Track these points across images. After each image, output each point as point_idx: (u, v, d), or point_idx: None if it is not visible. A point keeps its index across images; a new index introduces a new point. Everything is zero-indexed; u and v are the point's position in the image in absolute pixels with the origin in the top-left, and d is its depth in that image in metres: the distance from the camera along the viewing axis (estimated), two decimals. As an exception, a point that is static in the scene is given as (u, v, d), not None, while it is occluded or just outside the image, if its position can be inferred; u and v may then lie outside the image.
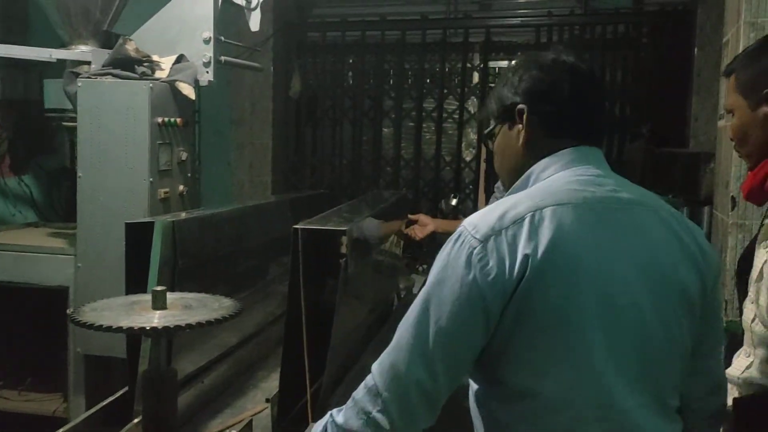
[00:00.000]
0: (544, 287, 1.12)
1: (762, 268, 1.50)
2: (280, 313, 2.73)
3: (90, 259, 2.67)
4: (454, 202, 4.88)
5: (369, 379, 1.26)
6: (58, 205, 3.69)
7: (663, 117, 4.34)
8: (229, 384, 2.26)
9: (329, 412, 1.35)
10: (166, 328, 1.41)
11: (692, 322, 1.24)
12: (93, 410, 1.85)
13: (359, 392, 1.27)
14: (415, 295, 1.24)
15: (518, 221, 1.15)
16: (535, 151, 1.31)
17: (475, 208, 4.80)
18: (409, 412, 1.22)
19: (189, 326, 1.44)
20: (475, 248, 1.14)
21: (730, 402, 1.47)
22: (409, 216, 3.08)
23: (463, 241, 1.17)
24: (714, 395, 1.37)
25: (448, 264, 1.17)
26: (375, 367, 1.27)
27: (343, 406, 1.30)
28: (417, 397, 1.21)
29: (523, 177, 1.31)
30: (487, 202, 3.44)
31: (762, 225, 1.59)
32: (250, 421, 1.78)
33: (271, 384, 2.30)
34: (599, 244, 1.16)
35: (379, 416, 1.22)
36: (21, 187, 3.60)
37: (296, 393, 1.93)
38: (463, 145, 4.91)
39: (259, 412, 1.99)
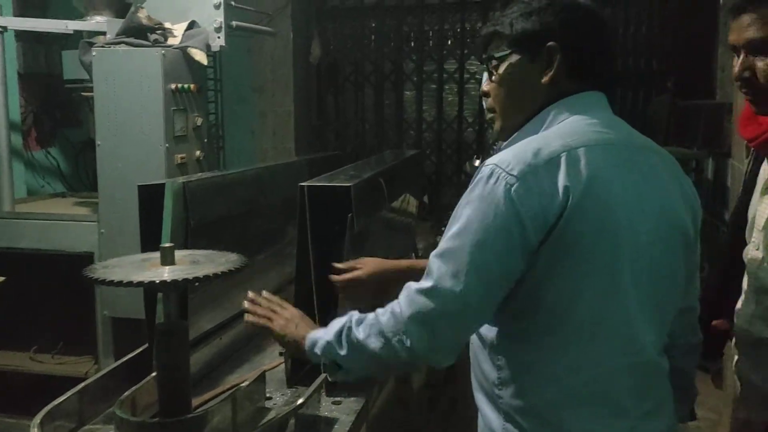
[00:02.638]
0: (583, 220, 1.13)
1: None
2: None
3: (112, 225, 2.74)
4: (477, 163, 4.86)
5: (395, 305, 1.25)
6: (85, 176, 3.78)
7: (689, 70, 4.25)
8: (248, 341, 2.32)
9: (350, 314, 1.35)
10: (174, 282, 1.45)
11: (687, 265, 1.29)
12: (113, 366, 1.92)
13: (385, 314, 1.26)
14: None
15: (554, 158, 1.15)
16: (555, 92, 1.27)
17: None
18: (433, 344, 1.22)
19: (196, 279, 1.47)
20: (513, 184, 1.13)
21: None
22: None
23: (498, 178, 1.14)
24: (696, 331, 1.42)
25: (482, 201, 1.15)
26: (403, 294, 1.25)
27: (365, 317, 1.31)
28: (443, 328, 1.21)
29: (538, 117, 1.27)
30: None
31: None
32: (263, 374, 1.83)
33: (289, 341, 2.35)
34: (626, 184, 1.18)
35: (397, 345, 1.23)
36: (48, 159, 3.69)
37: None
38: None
39: (275, 367, 2.04)
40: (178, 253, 1.62)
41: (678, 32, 4.25)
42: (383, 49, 4.98)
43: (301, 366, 1.99)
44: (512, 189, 1.13)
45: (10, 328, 2.95)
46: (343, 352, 1.34)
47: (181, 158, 2.74)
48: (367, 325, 1.29)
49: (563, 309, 1.17)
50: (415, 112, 5.04)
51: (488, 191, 1.15)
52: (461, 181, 4.93)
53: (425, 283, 1.21)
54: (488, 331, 1.27)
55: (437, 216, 4.10)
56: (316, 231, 1.90)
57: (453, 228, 1.19)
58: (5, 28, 2.91)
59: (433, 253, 1.22)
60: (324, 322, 1.88)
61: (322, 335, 1.41)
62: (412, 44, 4.96)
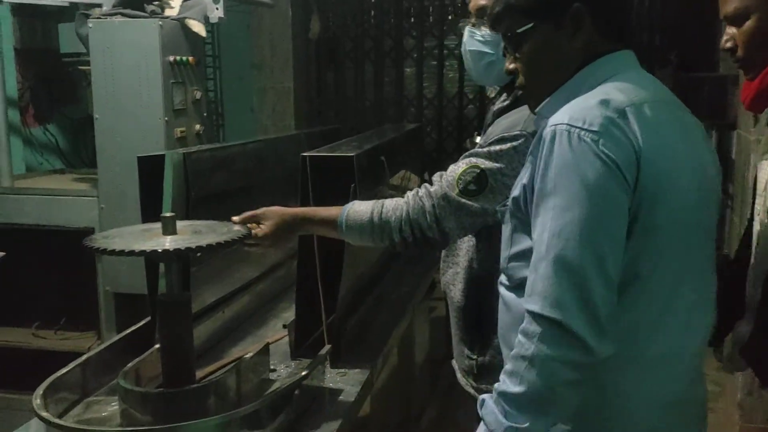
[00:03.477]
0: (653, 173, 1.10)
1: None
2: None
3: (112, 200, 2.72)
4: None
5: (528, 325, 1.10)
6: (84, 152, 3.75)
7: (691, 42, 4.21)
8: (250, 315, 2.31)
9: (483, 399, 1.18)
10: (177, 251, 1.43)
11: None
12: (116, 339, 1.92)
13: (525, 351, 1.09)
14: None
15: (622, 109, 1.11)
16: (589, 54, 1.21)
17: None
18: (590, 300, 1.07)
19: (199, 248, 1.46)
20: (598, 140, 1.08)
21: None
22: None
23: (579, 138, 1.08)
24: None
25: (573, 167, 1.08)
26: (534, 303, 1.09)
27: (510, 371, 1.13)
28: (593, 282, 1.07)
29: (576, 77, 1.21)
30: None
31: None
32: (267, 346, 1.82)
33: (292, 315, 2.33)
34: (679, 141, 1.17)
35: (551, 324, 1.07)
36: (46, 135, 3.66)
37: (313, 320, 1.97)
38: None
39: (279, 339, 2.04)
40: (179, 224, 1.61)
41: (680, 4, 4.21)
42: (383, 25, 4.93)
43: (305, 338, 1.99)
44: (599, 143, 1.08)
45: (12, 304, 2.95)
46: (526, 425, 1.10)
47: (181, 132, 2.71)
48: (507, 373, 1.13)
49: (641, 265, 1.13)
50: (415, 89, 4.99)
51: (575, 155, 1.08)
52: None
53: (541, 276, 1.10)
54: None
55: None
56: (319, 202, 1.88)
57: (549, 201, 1.11)
58: (1, 1, 2.87)
59: (547, 234, 1.10)
60: (327, 295, 1.89)
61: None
62: (413, 20, 4.91)
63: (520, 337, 1.11)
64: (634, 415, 1.18)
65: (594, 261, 1.07)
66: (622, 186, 1.08)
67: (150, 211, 1.89)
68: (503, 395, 1.12)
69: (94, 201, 2.77)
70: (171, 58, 2.64)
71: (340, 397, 1.73)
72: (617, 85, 1.17)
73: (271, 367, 1.86)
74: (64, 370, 1.66)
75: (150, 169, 1.93)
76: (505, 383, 1.12)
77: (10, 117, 3.07)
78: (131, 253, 1.45)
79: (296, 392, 1.60)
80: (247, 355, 1.70)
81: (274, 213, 1.70)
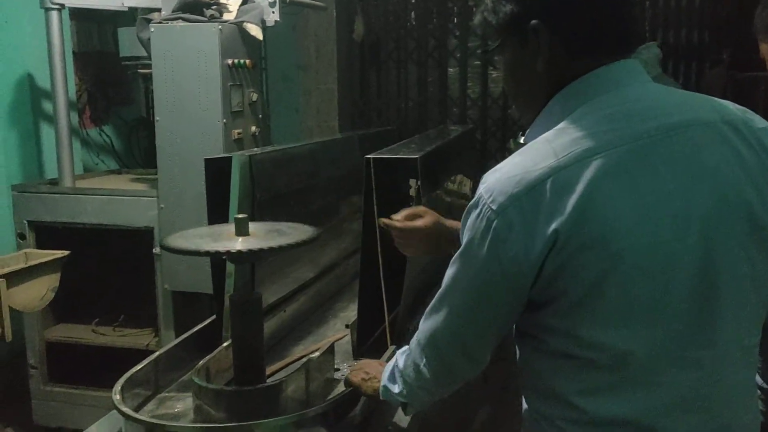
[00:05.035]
0: (575, 264, 0.99)
1: None
2: (353, 249, 2.79)
3: (171, 200, 2.78)
4: (522, 140, 4.78)
5: (418, 332, 1.28)
6: (138, 153, 3.83)
7: (745, 40, 4.12)
8: (309, 314, 2.34)
9: (396, 354, 1.41)
10: (250, 251, 1.46)
11: (762, 246, 1.07)
12: (183, 337, 1.95)
13: (413, 343, 1.31)
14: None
15: (538, 186, 0.98)
16: (557, 76, 1.10)
17: (544, 146, 4.71)
18: (449, 370, 1.27)
19: (272, 249, 1.48)
20: (493, 221, 1.01)
21: None
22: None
23: (482, 212, 1.03)
24: None
25: (471, 234, 1.06)
26: (421, 322, 1.26)
27: (405, 350, 1.36)
28: (454, 360, 1.23)
29: (545, 110, 1.11)
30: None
31: None
32: (333, 345, 1.84)
33: (350, 314, 2.37)
34: (641, 193, 0.99)
35: (424, 370, 1.28)
36: (102, 137, 3.74)
37: (374, 320, 1.99)
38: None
39: (341, 339, 2.06)
40: (250, 225, 1.64)
41: (732, 1, 4.13)
42: (426, 26, 4.93)
43: (367, 338, 2.01)
44: (492, 227, 1.01)
45: (73, 301, 3.02)
46: (396, 389, 1.38)
47: (238, 134, 2.75)
48: (405, 356, 1.35)
49: (570, 346, 1.06)
50: (459, 89, 4.98)
51: (474, 225, 1.05)
52: (505, 157, 4.88)
53: (427, 312, 1.23)
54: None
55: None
56: (383, 204, 1.90)
57: (452, 260, 1.14)
58: (63, 6, 2.95)
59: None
60: (390, 296, 1.91)
61: (381, 380, 1.45)
62: (455, 20, 4.90)
63: (412, 345, 1.31)
64: None
65: (457, 347, 1.20)
66: (501, 278, 1.04)
67: (216, 211, 1.93)
68: (396, 365, 1.39)
69: (153, 201, 2.83)
70: (229, 62, 2.68)
71: (405, 397, 1.75)
72: (561, 135, 1.03)
73: (335, 366, 1.89)
74: (138, 367, 1.70)
75: (216, 170, 1.96)
76: (401, 358, 1.37)
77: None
78: (206, 253, 1.49)
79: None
80: (314, 355, 1.72)
81: (433, 213, 1.68)
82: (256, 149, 2.20)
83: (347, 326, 2.00)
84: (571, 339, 1.05)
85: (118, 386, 1.58)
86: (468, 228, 1.07)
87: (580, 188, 0.98)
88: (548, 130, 1.07)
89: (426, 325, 1.23)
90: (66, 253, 2.56)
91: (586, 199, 0.97)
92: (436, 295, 1.19)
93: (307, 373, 1.64)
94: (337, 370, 1.88)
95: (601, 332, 1.03)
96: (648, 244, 0.99)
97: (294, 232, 1.62)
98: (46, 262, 2.46)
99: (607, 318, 1.02)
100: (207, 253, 1.49)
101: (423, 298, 2.24)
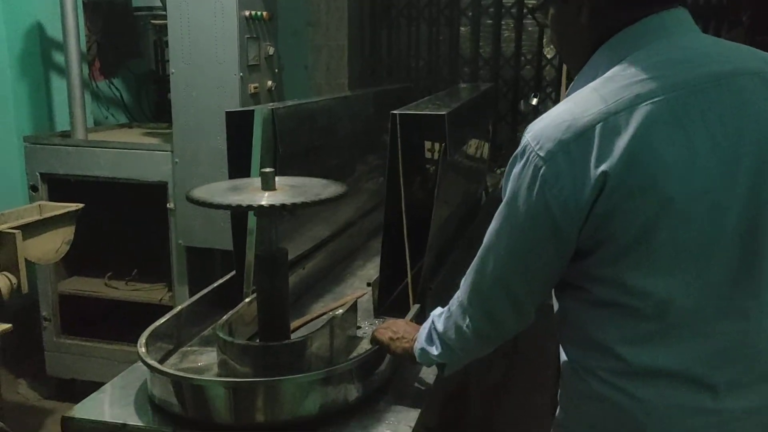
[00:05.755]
0: (625, 207, 1.00)
1: None
2: (370, 208, 2.77)
3: (186, 155, 2.74)
4: (534, 101, 4.76)
5: (459, 293, 1.28)
6: (147, 107, 3.78)
7: (765, 4, 4.04)
8: (327, 272, 2.33)
9: (431, 317, 1.40)
10: (283, 205, 1.43)
11: None
12: (204, 292, 1.94)
13: (453, 304, 1.30)
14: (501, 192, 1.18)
15: (586, 132, 1.00)
16: (602, 27, 1.10)
17: (556, 108, 4.67)
18: (495, 325, 1.25)
19: (305, 204, 1.45)
20: (541, 168, 1.02)
21: None
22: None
23: (528, 159, 1.05)
24: None
25: (516, 183, 1.07)
26: (462, 283, 1.27)
27: (443, 311, 1.35)
28: (501, 312, 1.22)
29: (590, 63, 1.13)
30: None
31: None
32: (355, 303, 1.83)
33: (368, 272, 2.36)
34: (690, 140, 0.99)
35: (467, 331, 1.27)
36: (111, 90, 3.69)
37: (395, 278, 1.98)
38: (544, 41, 4.72)
39: (361, 296, 2.05)
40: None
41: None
42: (439, -18, 4.83)
43: (388, 296, 2.00)
44: (539, 174, 1.03)
45: (86, 254, 3.01)
46: (435, 351, 1.37)
47: (254, 88, 2.71)
48: (445, 319, 1.33)
49: (617, 295, 1.07)
50: (470, 49, 4.90)
51: (520, 173, 1.06)
52: (516, 119, 4.85)
53: (471, 268, 1.22)
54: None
55: (491, 155, 4.03)
56: (408, 161, 1.87)
57: (498, 212, 1.14)
58: (73, -46, 2.87)
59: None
60: (414, 254, 1.89)
61: (417, 342, 1.44)
62: (467, -22, 4.80)
63: (458, 293, 1.28)
64: None
65: (505, 298, 1.18)
66: (550, 225, 1.05)
67: (237, 167, 1.90)
68: (434, 328, 1.37)
69: (167, 155, 2.79)
70: (246, 13, 2.62)
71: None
72: (609, 83, 1.04)
73: (357, 324, 1.88)
74: (161, 321, 1.69)
75: (237, 123, 1.93)
76: (439, 321, 1.35)
77: (79, 71, 3.08)
78: (239, 207, 1.46)
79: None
80: (338, 312, 1.71)
81: None
82: (279, 103, 2.16)
83: (369, 284, 1.99)
84: (617, 287, 1.06)
85: (143, 339, 1.57)
86: (513, 177, 1.08)
87: (630, 132, 0.98)
88: (593, 80, 1.08)
89: (470, 280, 1.23)
90: (80, 205, 2.54)
91: (636, 142, 0.98)
92: (480, 251, 1.19)
93: (331, 330, 1.63)
94: (359, 328, 1.88)
95: (646, 280, 1.03)
96: (697, 191, 1.00)
97: (321, 188, 1.59)
98: (60, 215, 2.44)
99: (654, 265, 1.03)
100: (240, 208, 1.46)
101: (444, 258, 2.23)
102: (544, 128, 1.04)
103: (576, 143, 1.00)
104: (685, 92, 1.01)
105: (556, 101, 4.65)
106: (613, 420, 1.10)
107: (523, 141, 1.07)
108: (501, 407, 3.22)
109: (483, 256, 1.18)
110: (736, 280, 1.05)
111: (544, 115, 1.08)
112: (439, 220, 1.99)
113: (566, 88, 4.68)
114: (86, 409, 1.49)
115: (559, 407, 1.24)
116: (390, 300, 2.00)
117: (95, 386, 1.58)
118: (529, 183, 1.04)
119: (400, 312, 1.84)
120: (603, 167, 0.98)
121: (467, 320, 1.26)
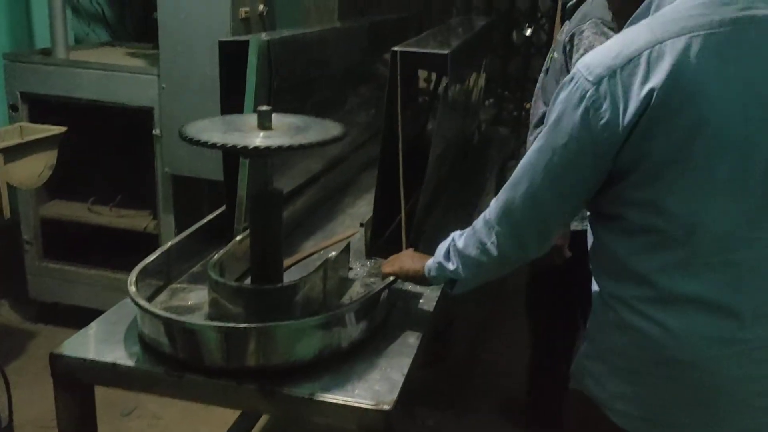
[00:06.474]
0: (665, 124, 1.06)
1: None
2: (361, 142, 2.72)
3: (173, 80, 2.64)
4: (528, 32, 4.66)
5: (487, 212, 1.32)
6: (130, 25, 3.62)
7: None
8: (317, 208, 2.30)
9: (452, 235, 1.43)
10: (290, 146, 1.38)
11: None
12: (193, 228, 1.90)
13: (479, 222, 1.34)
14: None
15: (634, 59, 1.07)
16: None
17: (549, 40, 4.56)
18: (519, 246, 1.30)
19: (302, 146, 1.40)
20: (587, 91, 1.09)
21: None
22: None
23: (577, 84, 1.11)
24: None
25: (563, 107, 1.13)
26: (493, 201, 1.31)
27: (465, 231, 1.38)
28: (528, 234, 1.27)
29: (641, 8, 1.18)
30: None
31: None
32: (348, 245, 1.81)
33: (358, 210, 2.33)
34: (730, 73, 1.07)
35: (492, 248, 1.31)
36: (93, 5, 3.51)
37: (388, 218, 1.95)
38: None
39: (352, 235, 2.02)
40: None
41: None
42: None
43: (380, 237, 1.98)
44: (586, 96, 1.10)
45: (69, 178, 2.93)
46: (452, 267, 1.42)
47: (245, 12, 2.58)
48: (467, 236, 1.38)
49: (649, 216, 1.13)
50: (465, -25, 4.74)
51: (567, 97, 1.12)
52: (508, 53, 4.75)
53: (505, 187, 1.26)
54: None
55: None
56: (407, 99, 1.81)
57: (541, 133, 1.19)
58: None
59: None
60: (409, 192, 1.86)
61: (434, 258, 1.49)
62: None
63: (486, 212, 1.33)
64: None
65: (534, 217, 1.24)
66: (590, 143, 1.11)
67: (229, 98, 1.83)
68: (454, 245, 1.41)
69: (153, 79, 2.68)
70: (238, -69, 2.47)
71: (421, 300, 1.74)
72: (659, 18, 1.12)
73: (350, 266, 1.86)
74: (150, 257, 1.66)
75: (230, 53, 1.84)
76: (460, 240, 1.39)
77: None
78: (244, 149, 1.39)
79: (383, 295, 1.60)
80: (331, 254, 1.69)
81: None
82: (273, 32, 2.06)
83: (361, 224, 1.96)
84: (650, 210, 1.12)
85: (132, 277, 1.54)
86: (560, 101, 1.14)
87: (674, 55, 1.05)
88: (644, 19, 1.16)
89: (502, 198, 1.27)
90: (63, 129, 2.46)
91: (680, 63, 1.05)
92: (516, 172, 1.24)
93: (325, 272, 1.61)
94: (351, 269, 1.86)
95: (680, 203, 1.10)
96: (734, 117, 1.06)
97: (319, 127, 1.54)
98: (43, 138, 2.36)
99: (687, 188, 1.09)
100: (245, 150, 1.39)
101: (436, 198, 2.20)
102: (595, 56, 1.12)
103: (624, 68, 1.07)
104: (728, 29, 1.07)
105: (550, 33, 4.54)
106: (641, 350, 1.16)
107: (573, 69, 1.14)
108: (486, 345, 3.28)
109: (519, 176, 1.22)
110: (764, 211, 1.11)
111: (596, 48, 1.16)
112: (436, 158, 1.95)
113: (561, 20, 4.59)
114: (74, 346, 1.47)
115: (586, 339, 1.30)
116: (382, 240, 1.98)
117: (78, 310, 1.56)
118: (575, 105, 1.10)
119: (391, 250, 1.82)
120: (650, 84, 1.05)
121: (493, 237, 1.30)
